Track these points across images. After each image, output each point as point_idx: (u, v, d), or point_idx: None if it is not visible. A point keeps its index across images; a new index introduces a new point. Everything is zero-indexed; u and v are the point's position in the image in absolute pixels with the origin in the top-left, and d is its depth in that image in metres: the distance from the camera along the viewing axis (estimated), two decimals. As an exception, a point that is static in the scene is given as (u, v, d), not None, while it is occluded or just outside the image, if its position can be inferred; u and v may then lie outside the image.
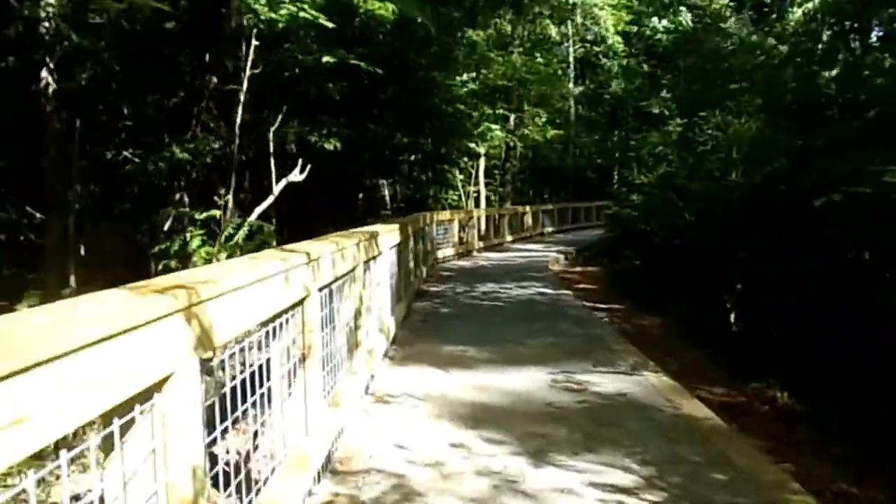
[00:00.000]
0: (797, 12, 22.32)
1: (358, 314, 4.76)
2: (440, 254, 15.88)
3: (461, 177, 23.90)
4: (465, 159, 23.67)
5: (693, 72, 17.23)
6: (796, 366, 6.70)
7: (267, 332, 2.91)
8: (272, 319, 2.97)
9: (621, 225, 16.55)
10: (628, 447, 4.08)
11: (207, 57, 11.00)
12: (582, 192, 36.00)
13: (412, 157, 23.11)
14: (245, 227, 8.63)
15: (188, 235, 8.37)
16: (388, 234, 6.54)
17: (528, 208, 24.59)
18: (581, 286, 12.84)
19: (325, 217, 18.57)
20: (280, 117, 10.23)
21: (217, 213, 8.04)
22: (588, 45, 34.94)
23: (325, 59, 10.05)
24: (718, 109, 16.11)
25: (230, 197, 8.75)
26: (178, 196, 10.63)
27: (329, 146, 11.79)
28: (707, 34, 17.96)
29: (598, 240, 22.89)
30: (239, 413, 2.63)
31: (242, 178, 11.42)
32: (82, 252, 12.46)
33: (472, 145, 21.95)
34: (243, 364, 2.81)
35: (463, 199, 23.99)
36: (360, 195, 23.27)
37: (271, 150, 10.03)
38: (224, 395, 2.51)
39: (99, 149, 12.90)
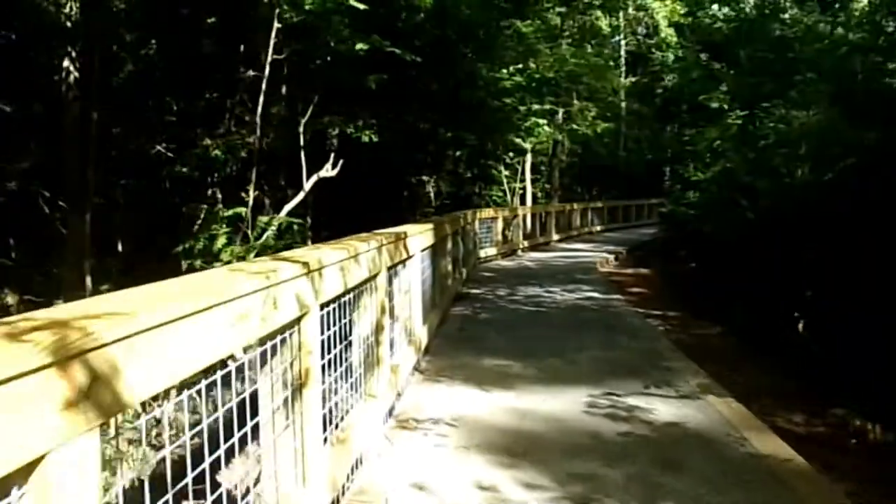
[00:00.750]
0: (862, 1, 20.95)
1: (379, 328, 4.16)
2: (483, 253, 15.23)
3: (507, 173, 23.18)
4: (511, 155, 22.94)
5: (755, 62, 16.11)
6: (884, 390, 5.86)
7: (244, 365, 2.32)
8: (253, 347, 2.39)
9: (676, 224, 15.62)
10: (696, 498, 3.38)
11: (242, 48, 10.58)
12: (632, 189, 34.82)
13: (456, 153, 22.51)
14: (274, 225, 8.14)
15: (215, 234, 7.91)
16: (420, 236, 5.92)
17: (575, 206, 23.71)
18: (633, 290, 12.02)
19: (367, 215, 18.14)
20: (311, 108, 9.71)
21: (244, 210, 7.56)
22: (640, 37, 33.75)
23: (359, 46, 9.50)
24: (782, 101, 15.06)
25: (254, 194, 8.25)
26: (209, 192, 10.23)
27: (365, 138, 11.21)
28: (770, 21, 16.81)
29: (651, 240, 21.93)
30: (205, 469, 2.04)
31: (276, 174, 10.98)
32: (119, 248, 12.22)
33: (518, 141, 21.19)
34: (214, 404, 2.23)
35: (508, 196, 23.27)
36: (405, 192, 22.80)
37: (301, 143, 9.52)
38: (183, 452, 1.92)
39: (139, 142, 12.66)
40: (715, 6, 16.95)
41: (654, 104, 38.09)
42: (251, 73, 10.44)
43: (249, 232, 7.90)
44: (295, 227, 8.01)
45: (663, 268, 14.72)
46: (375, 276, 4.14)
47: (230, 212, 7.72)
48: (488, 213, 16.12)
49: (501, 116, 18.33)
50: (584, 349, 6.72)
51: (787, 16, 17.82)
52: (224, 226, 7.83)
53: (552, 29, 21.99)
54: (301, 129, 9.44)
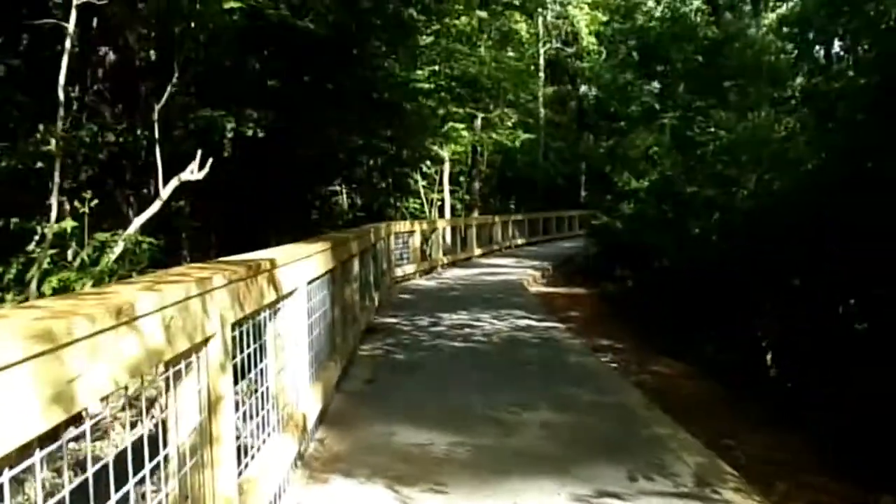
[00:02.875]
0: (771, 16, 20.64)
1: (208, 439, 2.32)
2: (399, 271, 13.46)
3: (424, 183, 21.51)
4: (428, 164, 21.29)
5: (688, 64, 15.12)
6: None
7: None
8: None
9: (608, 239, 14.33)
10: None
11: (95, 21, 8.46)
12: (551, 201, 33.87)
13: (370, 161, 20.68)
14: (119, 243, 6.09)
15: (34, 257, 5.79)
16: (306, 262, 4.10)
17: (497, 219, 22.28)
18: (570, 314, 10.52)
19: (273, 230, 16.04)
20: (169, 90, 7.66)
21: (67, 225, 5.51)
22: (559, 45, 33.00)
23: (230, 4, 7.54)
24: (717, 104, 14.07)
25: (89, 202, 6.17)
26: (50, 202, 8.02)
27: (249, 132, 9.24)
28: (702, 24, 15.89)
29: (575, 254, 20.73)
30: None
31: (143, 178, 8.89)
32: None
33: (436, 148, 19.58)
34: None
35: (426, 207, 21.60)
36: (315, 204, 20.77)
37: (156, 136, 7.48)
38: None
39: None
40: (651, 3, 15.91)
41: (571, 114, 37.51)
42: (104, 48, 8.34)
43: (84, 254, 5.82)
44: (144, 246, 5.98)
45: (598, 287, 13.36)
46: (207, 340, 2.31)
47: (51, 227, 5.63)
48: (405, 226, 14.37)
49: (418, 120, 16.65)
50: (531, 407, 5.04)
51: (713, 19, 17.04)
52: (46, 246, 5.72)
53: (470, 31, 20.55)
54: (155, 116, 7.39)
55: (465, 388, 5.66)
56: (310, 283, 4.31)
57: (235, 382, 2.79)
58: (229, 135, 10.06)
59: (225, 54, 8.76)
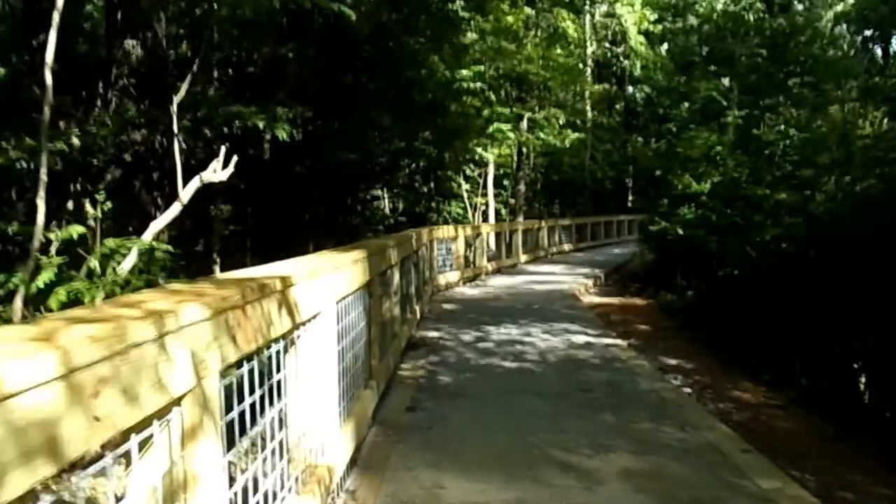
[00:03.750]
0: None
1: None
2: (442, 279, 12.71)
3: (467, 186, 20.74)
4: (472, 166, 20.53)
5: (752, 59, 14.03)
6: None
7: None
8: None
9: (665, 245, 13.32)
10: None
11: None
12: (598, 205, 32.77)
13: (412, 165, 20.04)
14: (134, 251, 5.47)
15: (41, 266, 5.20)
16: (334, 276, 3.37)
17: (543, 223, 21.37)
18: (630, 328, 9.62)
19: (312, 234, 15.48)
20: (187, 84, 7.03)
21: (75, 231, 4.90)
22: (607, 45, 31.92)
23: None
24: (787, 101, 12.98)
25: (103, 204, 5.57)
26: (71, 204, 7.51)
27: (281, 134, 8.59)
28: (768, 18, 14.78)
29: (628, 260, 19.70)
30: None
31: (161, 177, 8.33)
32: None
33: (480, 150, 18.79)
34: None
35: (469, 211, 20.83)
36: (357, 208, 20.20)
37: (175, 130, 6.85)
38: None
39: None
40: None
41: (619, 115, 36.32)
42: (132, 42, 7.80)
43: (94, 262, 5.20)
44: (158, 255, 5.33)
45: (656, 297, 12.38)
46: (167, 406, 1.57)
47: (58, 233, 5.03)
48: (448, 231, 13.62)
49: (462, 121, 15.89)
50: (604, 448, 4.22)
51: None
52: (53, 254, 5.13)
53: (517, 29, 19.70)
54: (174, 108, 6.76)
55: (521, 419, 4.87)
56: (340, 300, 3.58)
57: (231, 445, 2.06)
58: (266, 136, 9.42)
59: (258, 46, 8.16)
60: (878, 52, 22.33)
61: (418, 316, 8.66)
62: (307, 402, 2.93)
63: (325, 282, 3.16)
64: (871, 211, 7.71)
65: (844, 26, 16.52)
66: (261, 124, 8.09)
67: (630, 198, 37.17)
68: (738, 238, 10.13)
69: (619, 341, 8.02)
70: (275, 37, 8.92)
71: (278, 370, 2.51)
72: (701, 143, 13.12)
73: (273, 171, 16.05)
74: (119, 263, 5.16)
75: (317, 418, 3.04)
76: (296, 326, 2.67)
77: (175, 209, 6.07)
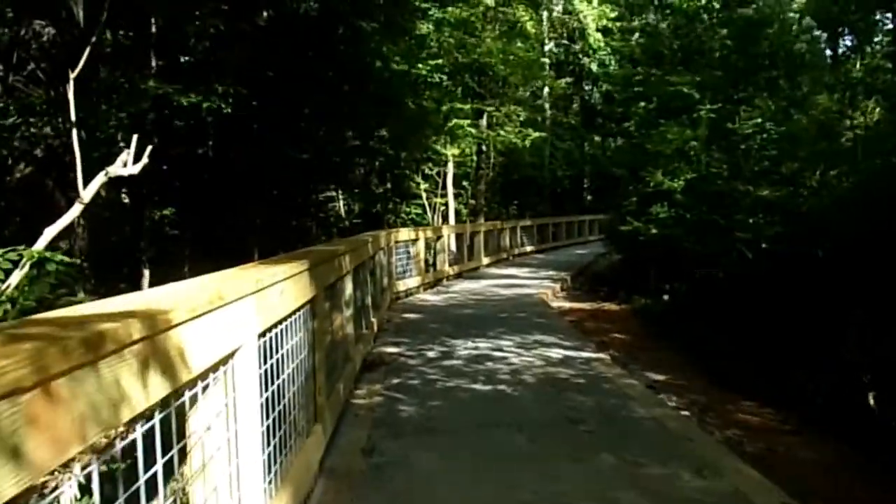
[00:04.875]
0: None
1: None
2: (402, 285, 11.77)
3: (426, 186, 19.82)
4: (430, 165, 19.62)
5: (725, 51, 13.43)
6: None
7: None
8: None
9: (636, 246, 12.62)
10: None
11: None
12: (556, 205, 32.20)
13: (367, 164, 18.99)
14: (25, 262, 4.40)
15: None
16: (257, 300, 2.40)
17: (505, 224, 20.58)
18: (607, 337, 8.84)
19: (260, 240, 14.35)
20: (85, 57, 5.91)
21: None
22: (565, 42, 31.39)
23: None
24: (762, 93, 12.41)
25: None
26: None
27: (217, 104, 7.53)
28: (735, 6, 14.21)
29: (595, 263, 19.05)
30: None
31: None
32: None
33: (440, 147, 17.89)
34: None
35: (428, 212, 19.91)
36: (311, 210, 19.08)
37: (72, 116, 5.75)
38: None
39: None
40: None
41: (576, 114, 35.80)
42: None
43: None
44: (51, 267, 4.26)
45: (629, 302, 11.65)
46: None
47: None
48: (407, 234, 12.68)
49: (419, 115, 14.99)
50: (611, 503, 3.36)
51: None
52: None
53: (476, 20, 18.87)
54: (69, 84, 5.63)
55: (503, 464, 3.97)
56: (268, 331, 2.62)
57: None
58: (209, 119, 8.32)
59: (196, 27, 7.11)
60: (828, 52, 22.28)
61: (375, 329, 7.71)
62: (208, 489, 1.97)
63: (241, 310, 2.21)
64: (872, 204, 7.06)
65: (809, 19, 16.13)
66: (184, 101, 7.02)
67: (588, 197, 36.77)
68: (723, 238, 9.46)
69: (600, 355, 7.18)
70: (216, 18, 7.89)
71: (147, 467, 1.55)
72: (673, 137, 12.45)
73: (217, 171, 14.89)
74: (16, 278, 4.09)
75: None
76: (180, 388, 1.71)
77: (75, 211, 4.99)
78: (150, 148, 5.09)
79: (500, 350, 7.27)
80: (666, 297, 11.20)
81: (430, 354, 7.07)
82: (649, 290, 11.55)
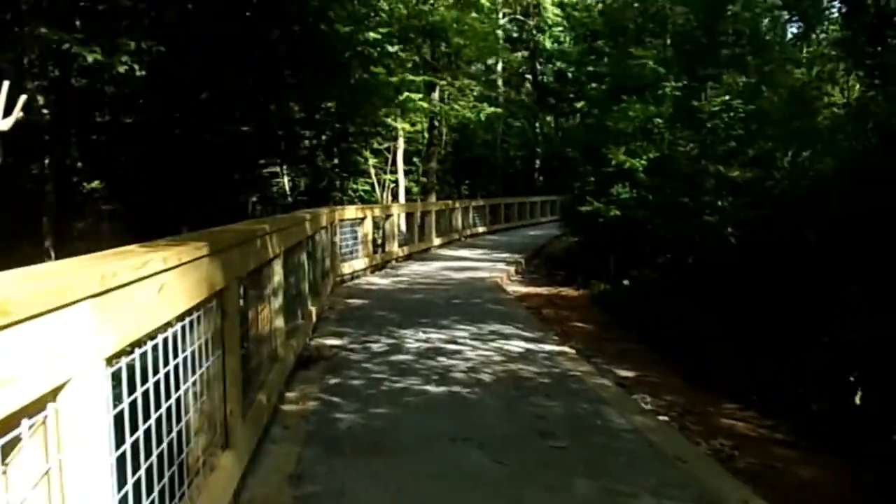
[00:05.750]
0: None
1: None
2: (347, 267, 10.91)
3: (375, 161, 18.88)
4: (380, 140, 18.67)
5: (689, 25, 12.84)
6: None
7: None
8: None
9: (596, 228, 12.03)
10: None
11: None
12: (509, 185, 31.61)
13: (314, 138, 17.89)
14: None
15: None
16: (105, 302, 1.56)
17: (458, 204, 19.84)
18: (568, 326, 8.21)
19: (193, 217, 13.23)
20: None
21: None
22: (521, 17, 30.61)
23: None
24: (729, 70, 11.92)
25: None
26: None
27: (121, 68, 6.54)
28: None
29: (550, 245, 18.50)
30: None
31: None
32: None
33: (390, 121, 16.97)
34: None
35: (377, 189, 19.00)
36: (255, 186, 17.90)
37: None
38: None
39: None
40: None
41: (529, 93, 35.14)
42: None
43: None
44: None
45: (587, 287, 11.06)
46: None
47: None
48: (353, 212, 11.80)
49: (368, 84, 14.03)
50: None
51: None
52: None
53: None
54: None
55: (462, 496, 3.23)
56: (129, 351, 1.79)
57: None
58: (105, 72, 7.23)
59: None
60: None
61: (314, 318, 6.86)
62: None
63: (62, 325, 1.38)
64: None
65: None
66: (90, 58, 6.01)
67: (540, 178, 36.25)
68: (691, 220, 8.89)
69: (564, 348, 6.51)
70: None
71: None
72: (635, 115, 11.84)
73: (152, 143, 13.71)
74: None
75: None
76: None
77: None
78: (23, 98, 4.12)
79: (455, 342, 6.53)
80: (626, 282, 10.64)
81: (376, 347, 6.28)
82: (609, 274, 10.98)
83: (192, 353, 2.45)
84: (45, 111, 10.57)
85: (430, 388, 5.02)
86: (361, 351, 6.16)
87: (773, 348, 6.56)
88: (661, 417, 4.82)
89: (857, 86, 8.85)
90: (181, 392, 2.29)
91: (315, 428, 4.17)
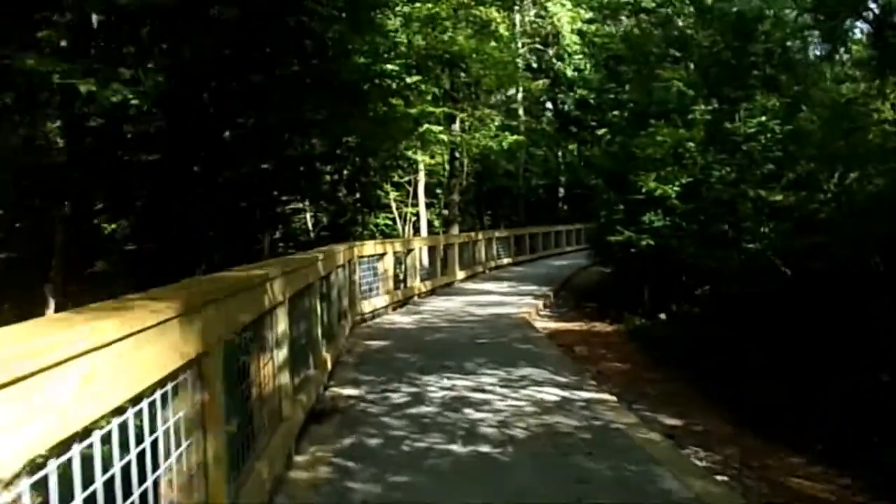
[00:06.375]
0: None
1: None
2: (367, 305, 10.43)
3: (396, 194, 18.51)
4: (400, 173, 18.32)
5: (716, 47, 12.33)
6: None
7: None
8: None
9: (629, 258, 11.43)
10: None
11: None
12: (531, 214, 31.03)
13: (335, 173, 17.60)
14: None
15: None
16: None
17: (481, 235, 19.34)
18: (605, 367, 7.61)
19: (209, 260, 12.90)
20: None
21: None
22: (540, 47, 30.34)
23: None
24: (763, 89, 11.36)
25: None
26: None
27: (83, 88, 6.17)
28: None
29: (578, 276, 17.88)
30: None
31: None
32: None
33: (410, 154, 16.62)
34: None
35: (399, 223, 18.59)
36: (278, 224, 17.61)
37: None
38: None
39: None
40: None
41: (551, 120, 34.75)
42: None
43: None
44: None
45: (621, 321, 10.43)
46: None
47: None
48: (373, 247, 11.35)
49: (389, 117, 13.70)
50: None
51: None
52: None
53: (447, 16, 17.62)
54: None
55: None
56: (43, 464, 1.29)
57: None
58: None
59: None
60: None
61: (330, 365, 6.35)
62: None
63: None
64: None
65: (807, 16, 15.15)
66: (83, 88, 5.68)
67: (564, 207, 35.62)
68: (724, 250, 8.29)
69: (603, 396, 5.90)
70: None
71: None
72: (664, 139, 11.30)
73: (171, 182, 13.49)
74: None
75: None
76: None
77: None
78: None
79: (482, 390, 5.97)
80: (663, 315, 10.01)
81: (396, 398, 5.75)
82: (644, 307, 10.35)
83: (153, 443, 1.95)
84: (60, 149, 10.35)
85: (456, 447, 4.46)
86: (381, 402, 5.63)
87: (834, 388, 5.91)
88: (718, 477, 4.21)
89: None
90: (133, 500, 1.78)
91: (325, 501, 3.64)
